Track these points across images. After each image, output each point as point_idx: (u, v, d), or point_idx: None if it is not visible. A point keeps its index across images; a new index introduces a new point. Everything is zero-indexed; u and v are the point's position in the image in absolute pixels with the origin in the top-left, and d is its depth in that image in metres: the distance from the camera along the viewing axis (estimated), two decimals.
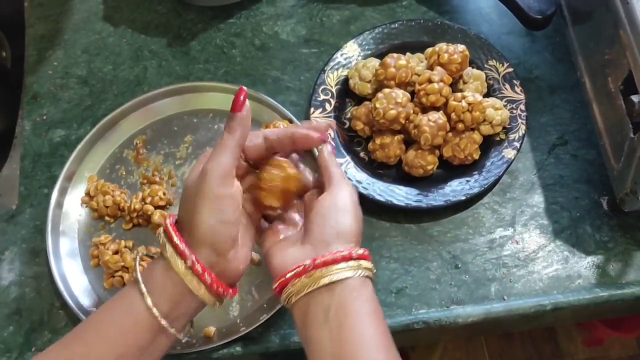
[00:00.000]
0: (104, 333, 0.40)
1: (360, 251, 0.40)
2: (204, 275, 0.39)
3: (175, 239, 0.39)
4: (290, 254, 0.41)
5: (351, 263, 0.39)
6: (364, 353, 0.38)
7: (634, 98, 0.44)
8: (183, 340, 0.42)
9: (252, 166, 0.44)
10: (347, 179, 0.44)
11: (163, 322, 0.39)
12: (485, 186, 0.54)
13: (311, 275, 0.39)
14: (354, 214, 0.42)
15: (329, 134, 0.45)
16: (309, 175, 0.46)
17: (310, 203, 0.43)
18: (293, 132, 0.43)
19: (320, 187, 0.44)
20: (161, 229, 0.41)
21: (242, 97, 0.39)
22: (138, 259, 0.42)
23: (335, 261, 0.39)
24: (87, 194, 0.57)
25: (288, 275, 0.40)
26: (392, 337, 0.40)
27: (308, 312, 0.39)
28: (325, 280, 0.39)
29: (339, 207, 0.41)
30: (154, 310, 0.39)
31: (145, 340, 0.39)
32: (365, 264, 0.40)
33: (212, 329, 0.50)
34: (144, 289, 0.39)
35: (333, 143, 0.46)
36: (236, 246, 0.40)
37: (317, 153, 0.45)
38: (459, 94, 0.54)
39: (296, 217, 0.44)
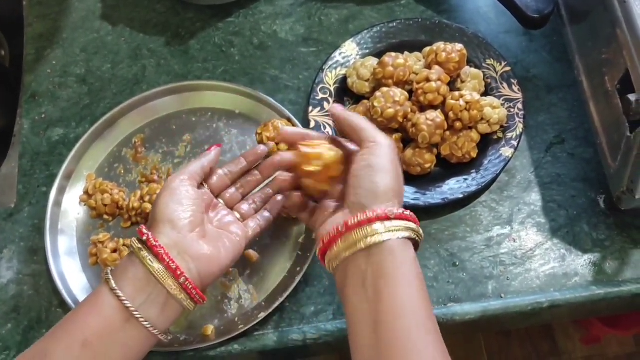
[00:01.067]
0: (71, 324, 0.40)
1: (399, 211, 0.39)
2: (157, 248, 0.40)
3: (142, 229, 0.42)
4: (330, 221, 0.42)
5: (388, 224, 0.39)
6: (400, 321, 0.37)
7: (631, 97, 0.44)
8: (162, 337, 0.41)
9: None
10: (382, 133, 0.42)
11: (127, 303, 0.39)
12: (483, 184, 0.54)
13: (347, 240, 0.39)
14: (390, 172, 0.41)
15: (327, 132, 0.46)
16: (348, 145, 0.45)
17: (349, 166, 0.43)
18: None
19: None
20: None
21: (215, 148, 0.48)
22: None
23: (370, 221, 0.39)
24: (86, 192, 0.57)
25: (325, 240, 0.40)
26: (430, 303, 0.39)
27: (347, 276, 0.39)
28: (361, 245, 0.38)
29: (373, 166, 0.41)
30: (118, 291, 0.39)
31: (111, 325, 0.39)
32: (405, 224, 0.39)
33: (210, 327, 0.51)
34: (109, 275, 0.41)
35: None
36: (197, 230, 0.43)
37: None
38: (456, 93, 0.54)
39: (340, 187, 0.45)
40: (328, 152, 0.44)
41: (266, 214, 0.49)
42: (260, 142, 0.54)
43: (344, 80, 0.59)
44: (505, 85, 0.58)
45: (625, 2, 0.45)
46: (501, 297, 0.52)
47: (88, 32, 0.66)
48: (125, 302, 0.39)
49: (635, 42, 0.44)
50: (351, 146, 0.45)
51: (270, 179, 0.50)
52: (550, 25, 0.59)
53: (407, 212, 0.41)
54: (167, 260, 0.40)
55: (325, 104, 0.58)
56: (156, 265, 0.40)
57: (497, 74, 0.58)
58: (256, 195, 0.50)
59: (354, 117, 0.43)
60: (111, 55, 0.65)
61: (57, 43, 0.65)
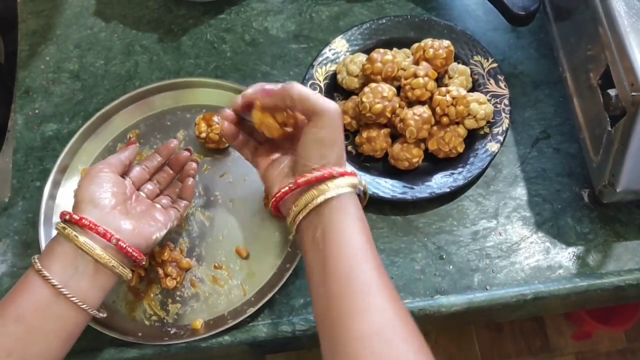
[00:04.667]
0: (2, 305, 0.42)
1: (341, 169, 0.42)
2: (82, 220, 0.43)
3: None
4: (280, 178, 0.45)
5: (331, 183, 0.42)
6: (346, 263, 0.40)
7: (611, 92, 0.45)
8: (92, 313, 0.43)
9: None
10: (328, 101, 0.43)
11: (53, 281, 0.41)
12: (470, 179, 0.55)
13: (299, 202, 0.42)
14: (337, 142, 0.43)
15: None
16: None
17: (299, 134, 0.45)
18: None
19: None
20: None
21: (132, 146, 0.52)
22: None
23: (317, 179, 0.42)
24: None
25: (277, 195, 0.44)
26: (375, 247, 0.42)
27: (303, 233, 0.43)
28: (312, 204, 0.41)
29: (323, 141, 0.43)
30: (43, 271, 0.41)
31: (42, 301, 0.41)
32: (347, 180, 0.42)
33: (199, 322, 0.51)
34: (35, 258, 0.43)
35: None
36: (118, 208, 0.45)
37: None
38: (443, 89, 0.55)
39: (287, 143, 0.47)
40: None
41: (184, 202, 0.53)
42: (199, 133, 0.57)
43: (333, 76, 0.60)
44: (492, 81, 0.58)
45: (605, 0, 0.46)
46: (486, 289, 0.53)
47: (81, 28, 0.67)
48: (51, 280, 0.41)
49: (615, 38, 0.45)
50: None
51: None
52: (536, 22, 0.60)
53: (350, 169, 0.44)
54: (94, 227, 0.43)
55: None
56: (82, 238, 0.42)
57: (484, 70, 0.59)
58: (170, 189, 0.54)
59: (293, 89, 0.43)
60: (104, 51, 0.65)
61: (50, 39, 0.66)
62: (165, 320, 0.52)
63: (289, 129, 0.46)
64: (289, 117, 0.45)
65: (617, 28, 0.45)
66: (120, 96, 0.60)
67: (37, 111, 0.63)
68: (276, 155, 0.47)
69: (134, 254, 0.45)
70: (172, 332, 0.51)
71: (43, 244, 0.54)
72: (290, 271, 0.52)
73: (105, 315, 0.46)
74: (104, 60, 0.65)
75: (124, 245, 0.44)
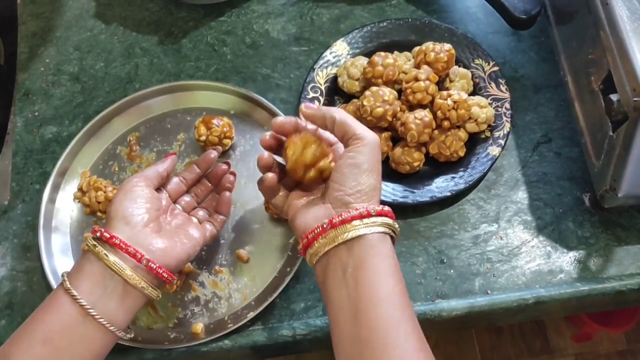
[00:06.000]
0: (30, 325, 0.41)
1: (379, 207, 0.41)
2: (113, 239, 0.42)
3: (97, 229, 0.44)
4: (311, 214, 0.43)
5: (366, 220, 0.40)
6: (379, 309, 0.38)
7: (613, 97, 0.45)
8: (120, 334, 0.42)
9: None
10: (367, 129, 0.43)
11: (82, 301, 0.40)
12: (471, 183, 0.55)
13: (327, 236, 0.40)
14: (375, 171, 0.42)
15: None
16: (329, 137, 0.46)
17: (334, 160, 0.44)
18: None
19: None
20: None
21: (171, 156, 0.51)
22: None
23: (353, 218, 0.40)
24: (80, 189, 0.57)
25: (310, 237, 0.41)
26: (408, 295, 0.40)
27: (327, 269, 0.41)
28: (340, 239, 0.40)
29: (359, 166, 0.41)
30: (72, 290, 0.40)
31: (70, 321, 0.40)
32: (383, 220, 0.41)
33: (199, 325, 0.51)
34: (64, 276, 0.42)
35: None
36: (150, 226, 0.44)
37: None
38: (444, 92, 0.55)
39: (315, 187, 0.46)
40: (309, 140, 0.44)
41: (220, 217, 0.51)
42: (198, 136, 0.56)
43: (334, 79, 0.60)
44: (493, 84, 0.58)
45: (607, 4, 0.45)
46: (487, 294, 0.52)
47: (81, 30, 0.66)
48: (80, 300, 0.40)
49: (617, 43, 0.45)
50: (332, 138, 0.46)
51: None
52: (537, 25, 0.60)
53: (386, 208, 0.42)
54: (124, 247, 0.42)
55: (316, 102, 0.59)
56: (112, 258, 0.41)
57: (485, 74, 0.59)
58: (207, 202, 0.53)
59: (336, 112, 0.43)
60: (104, 53, 0.65)
61: (50, 41, 0.66)
62: (165, 324, 0.52)
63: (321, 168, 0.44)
64: (322, 154, 0.43)
65: (619, 32, 0.44)
66: (120, 99, 0.60)
67: (36, 114, 0.62)
68: (304, 200, 0.45)
69: (164, 274, 0.43)
70: (172, 336, 0.51)
71: (42, 248, 0.54)
72: (290, 275, 0.52)
73: (132, 336, 0.44)
74: (104, 63, 0.65)
75: (154, 267, 0.42)
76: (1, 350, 0.40)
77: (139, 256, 0.42)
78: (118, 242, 0.42)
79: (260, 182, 0.46)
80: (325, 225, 0.41)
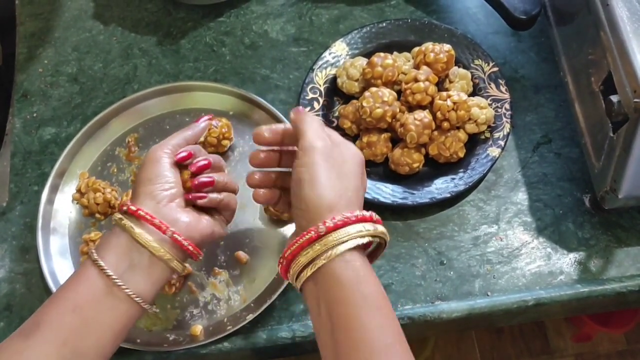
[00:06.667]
0: (60, 294, 0.41)
1: (330, 223, 0.38)
2: (139, 211, 0.42)
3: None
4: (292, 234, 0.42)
5: (317, 246, 0.38)
6: (362, 354, 0.36)
7: (613, 98, 0.45)
8: (146, 307, 0.42)
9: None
10: (313, 135, 0.41)
11: (109, 271, 0.40)
12: (470, 184, 0.55)
13: (291, 270, 0.40)
14: (327, 181, 0.39)
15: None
16: None
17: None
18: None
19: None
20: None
21: (205, 119, 0.50)
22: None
23: (302, 247, 0.39)
24: (78, 190, 0.57)
25: (279, 268, 0.42)
26: (392, 312, 0.38)
27: (306, 301, 0.41)
28: (304, 275, 0.39)
29: (302, 180, 0.40)
30: (99, 261, 0.41)
31: (98, 292, 0.40)
32: (337, 236, 0.38)
33: (199, 328, 0.51)
34: (92, 249, 0.42)
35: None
36: (176, 201, 0.44)
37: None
38: (444, 93, 0.55)
39: None
40: None
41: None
42: None
43: (333, 80, 0.60)
44: (493, 85, 0.58)
45: (608, 4, 0.45)
46: (487, 295, 0.52)
47: (80, 31, 0.66)
48: (107, 270, 0.41)
49: (617, 44, 0.44)
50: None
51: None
52: (537, 26, 0.60)
53: (353, 215, 0.38)
54: (150, 219, 0.42)
55: (315, 103, 0.59)
56: (137, 230, 0.42)
57: (485, 75, 0.59)
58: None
59: (299, 121, 0.43)
60: (103, 54, 0.65)
61: (49, 42, 0.66)
62: (164, 327, 0.52)
63: None
64: None
65: (619, 33, 0.44)
66: (118, 100, 0.60)
67: (35, 115, 0.62)
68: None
69: (189, 247, 0.43)
70: (171, 338, 0.51)
71: (41, 249, 0.54)
72: None
73: (157, 310, 0.44)
74: (102, 64, 0.64)
75: (179, 238, 0.42)
76: (32, 319, 0.41)
77: (164, 228, 0.42)
78: (143, 214, 0.42)
79: (256, 199, 0.47)
80: (282, 262, 0.41)
